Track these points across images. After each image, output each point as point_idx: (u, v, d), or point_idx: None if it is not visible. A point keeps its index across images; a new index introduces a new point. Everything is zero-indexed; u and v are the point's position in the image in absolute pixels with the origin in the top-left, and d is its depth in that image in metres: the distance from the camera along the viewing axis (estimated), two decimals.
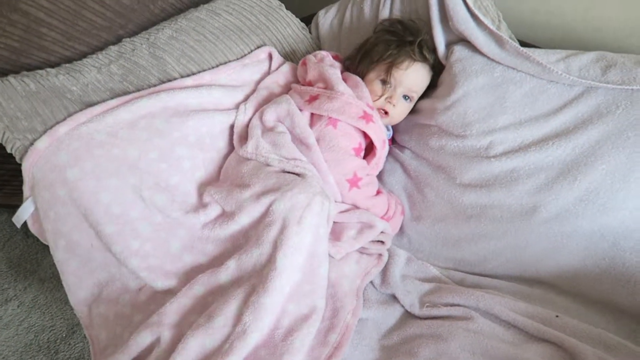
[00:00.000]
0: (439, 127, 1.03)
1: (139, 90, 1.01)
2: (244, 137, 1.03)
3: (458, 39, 1.04)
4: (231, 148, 1.05)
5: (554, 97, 0.94)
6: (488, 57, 0.98)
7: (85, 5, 1.04)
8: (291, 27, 1.25)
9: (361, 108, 0.98)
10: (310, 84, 1.05)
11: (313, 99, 1.00)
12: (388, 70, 1.02)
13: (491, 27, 0.97)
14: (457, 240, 0.99)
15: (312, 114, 1.02)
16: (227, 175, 1.00)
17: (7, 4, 0.96)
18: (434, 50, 1.06)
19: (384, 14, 1.14)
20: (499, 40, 0.97)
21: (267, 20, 1.22)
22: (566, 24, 1.21)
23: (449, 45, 1.06)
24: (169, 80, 1.05)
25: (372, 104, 1.02)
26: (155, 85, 1.03)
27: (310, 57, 1.10)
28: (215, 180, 1.01)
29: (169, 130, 0.97)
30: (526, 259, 0.93)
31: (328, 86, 1.01)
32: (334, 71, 1.03)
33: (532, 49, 0.97)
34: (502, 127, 0.96)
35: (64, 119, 0.91)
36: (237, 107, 1.07)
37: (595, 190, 0.87)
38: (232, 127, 1.05)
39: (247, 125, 1.04)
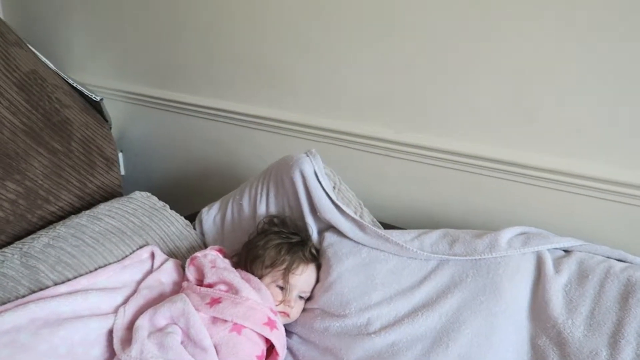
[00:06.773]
0: (322, 309, 1.08)
1: (4, 303, 0.95)
2: (127, 340, 0.97)
3: (328, 226, 1.15)
4: (109, 356, 0.98)
5: (415, 270, 1.04)
6: (354, 241, 1.09)
7: None
8: (175, 225, 1.30)
9: (265, 314, 1.00)
10: (210, 286, 1.05)
11: (215, 301, 1.00)
12: (284, 277, 1.07)
13: (353, 215, 1.10)
14: None
15: (213, 317, 1.00)
16: None
17: None
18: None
19: (261, 209, 1.25)
20: (361, 226, 1.09)
21: (150, 220, 1.26)
22: (421, 206, 1.41)
23: (320, 232, 1.16)
24: (41, 290, 1.01)
25: (275, 308, 1.05)
26: (24, 296, 0.98)
27: (202, 259, 1.10)
28: None
29: (36, 343, 0.90)
30: None
31: (231, 290, 1.02)
32: (234, 275, 1.05)
33: (390, 230, 1.10)
34: (376, 303, 1.02)
35: None
36: (116, 310, 1.04)
37: (466, 354, 0.93)
38: (110, 332, 1.00)
39: (129, 328, 0.99)
